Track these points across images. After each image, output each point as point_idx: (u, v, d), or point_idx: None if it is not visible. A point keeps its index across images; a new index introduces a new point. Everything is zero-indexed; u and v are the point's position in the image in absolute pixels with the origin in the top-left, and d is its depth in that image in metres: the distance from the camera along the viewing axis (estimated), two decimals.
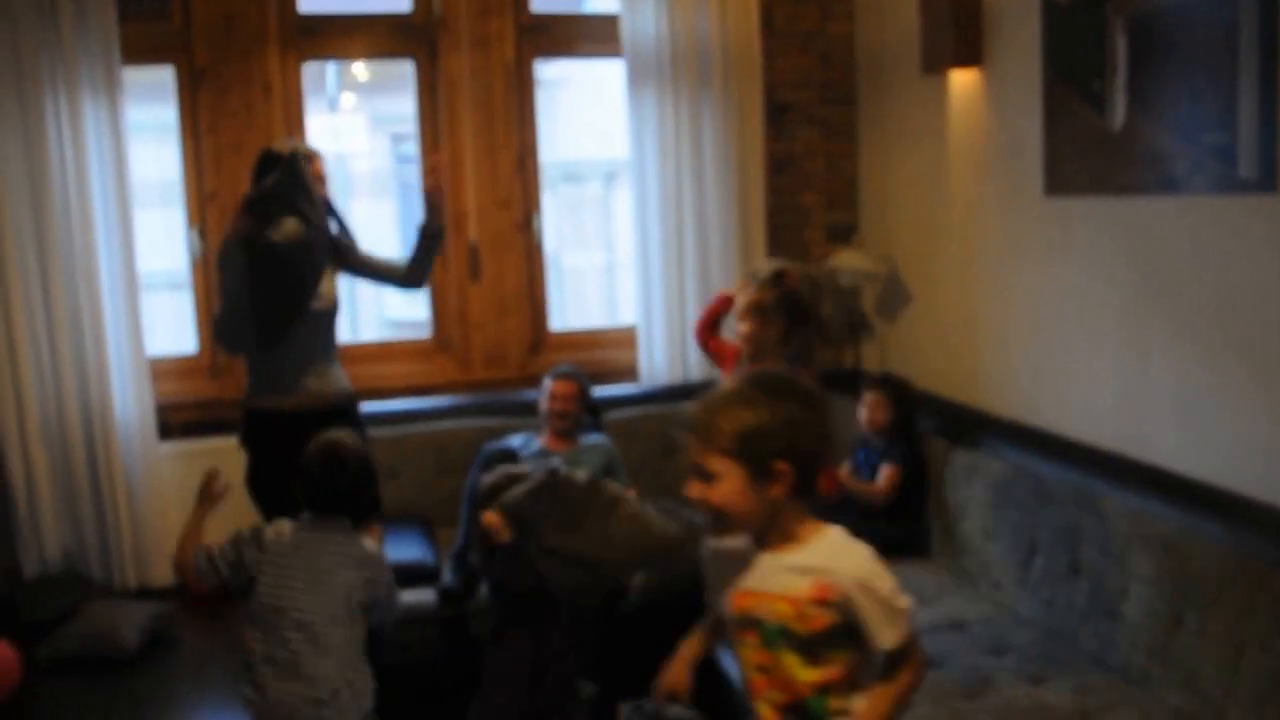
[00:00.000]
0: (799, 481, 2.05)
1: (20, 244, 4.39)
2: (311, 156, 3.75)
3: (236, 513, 3.57)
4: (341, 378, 3.82)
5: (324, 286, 3.73)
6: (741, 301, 3.73)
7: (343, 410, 3.73)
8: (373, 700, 3.02)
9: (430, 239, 3.93)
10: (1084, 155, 3.58)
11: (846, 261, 4.93)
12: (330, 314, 3.80)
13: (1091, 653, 3.18)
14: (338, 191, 3.99)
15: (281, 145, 3.78)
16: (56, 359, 4.48)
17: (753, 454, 2.03)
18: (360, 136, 8.04)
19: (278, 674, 2.91)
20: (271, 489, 3.55)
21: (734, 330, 3.86)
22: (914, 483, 4.15)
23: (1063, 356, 3.79)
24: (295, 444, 3.39)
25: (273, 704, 2.91)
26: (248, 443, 3.72)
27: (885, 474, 4.11)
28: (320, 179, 3.75)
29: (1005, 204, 4.06)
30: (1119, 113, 3.40)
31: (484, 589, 3.82)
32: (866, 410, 4.26)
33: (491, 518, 3.40)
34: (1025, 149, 3.88)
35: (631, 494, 4.24)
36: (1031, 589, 3.47)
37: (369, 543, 3.12)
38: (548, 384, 4.40)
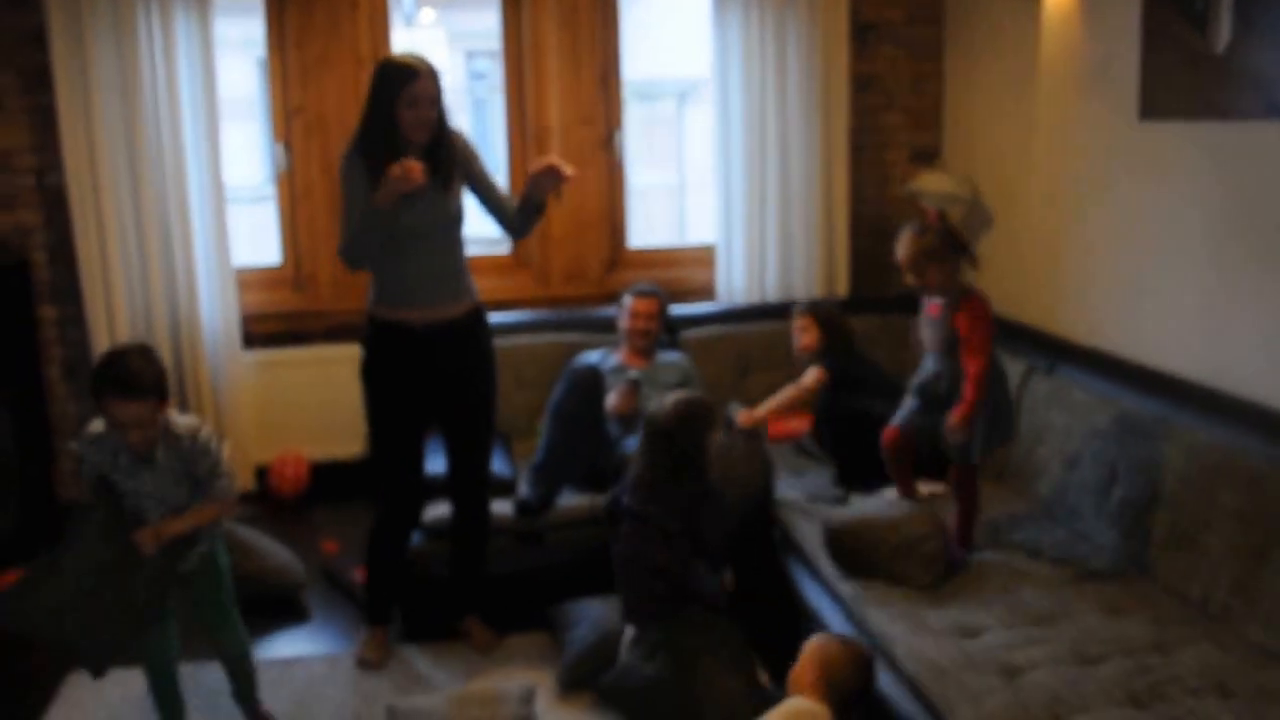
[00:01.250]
0: None
1: (112, 156, 4.48)
2: (416, 73, 3.32)
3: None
4: (464, 293, 3.58)
5: (445, 202, 3.47)
6: (903, 254, 3.44)
7: (464, 326, 3.57)
8: None
9: (535, 210, 3.59)
10: (1183, 78, 3.47)
11: (928, 184, 4.82)
12: (451, 227, 3.52)
13: (1170, 585, 3.14)
14: None
15: (405, 60, 3.38)
16: (146, 268, 4.59)
17: None
18: (438, 52, 8.00)
19: None
20: (382, 385, 3.55)
21: None
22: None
23: (1150, 285, 3.72)
24: (411, 351, 3.47)
25: None
26: (366, 342, 3.58)
27: (812, 373, 4.09)
28: (429, 100, 3.34)
29: (1096, 128, 3.96)
30: (1222, 33, 3.29)
31: (558, 502, 3.88)
32: (796, 334, 4.25)
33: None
34: (1120, 71, 3.78)
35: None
36: (1110, 519, 3.43)
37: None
38: (628, 301, 4.41)
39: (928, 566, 3.24)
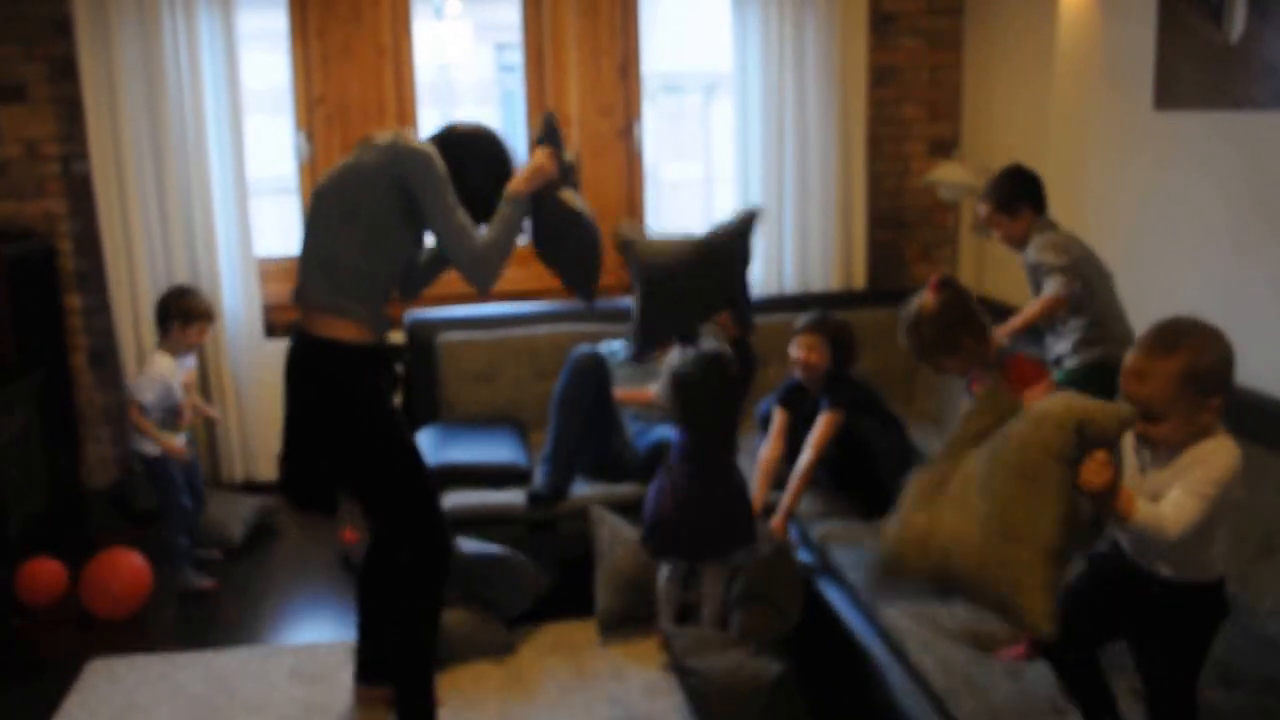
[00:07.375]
0: None
1: (137, 146, 4.53)
2: None
3: None
4: None
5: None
6: (911, 345, 3.04)
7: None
8: None
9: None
10: (1199, 68, 3.45)
11: (946, 175, 4.84)
12: None
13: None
14: (441, 101, 3.79)
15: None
16: (170, 259, 4.63)
17: None
18: (465, 45, 7.99)
19: None
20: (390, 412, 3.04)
21: None
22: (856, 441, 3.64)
23: (1166, 279, 3.69)
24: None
25: None
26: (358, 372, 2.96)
27: (824, 421, 3.58)
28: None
29: (1112, 118, 3.95)
30: (1238, 24, 3.27)
31: (572, 492, 3.86)
32: (800, 351, 3.68)
33: None
34: (1136, 61, 3.76)
35: None
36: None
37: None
38: None
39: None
